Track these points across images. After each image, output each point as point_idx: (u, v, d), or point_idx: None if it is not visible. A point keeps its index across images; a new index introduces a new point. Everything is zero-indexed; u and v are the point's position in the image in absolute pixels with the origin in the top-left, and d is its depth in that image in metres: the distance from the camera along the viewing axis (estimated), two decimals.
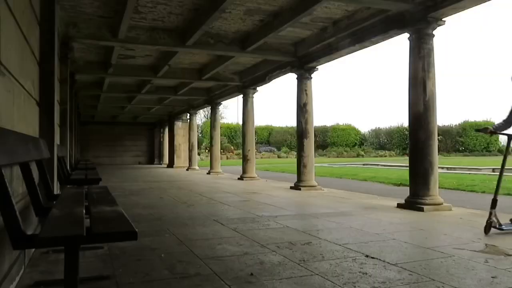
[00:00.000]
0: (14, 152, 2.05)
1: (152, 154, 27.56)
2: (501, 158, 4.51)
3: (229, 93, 14.43)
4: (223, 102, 16.60)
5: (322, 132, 46.57)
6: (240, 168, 13.37)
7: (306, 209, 6.67)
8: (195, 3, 6.56)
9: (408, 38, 6.33)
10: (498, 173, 4.43)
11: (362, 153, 43.94)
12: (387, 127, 47.44)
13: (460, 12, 5.89)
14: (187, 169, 19.08)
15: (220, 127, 18.50)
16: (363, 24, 6.90)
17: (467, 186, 10.63)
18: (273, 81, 11.44)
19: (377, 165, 25.06)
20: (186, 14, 7.07)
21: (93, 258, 3.28)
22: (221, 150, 24.16)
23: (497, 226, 4.18)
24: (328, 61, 8.94)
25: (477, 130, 4.89)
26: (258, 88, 12.69)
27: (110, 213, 2.23)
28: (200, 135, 42.66)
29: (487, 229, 4.24)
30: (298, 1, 6.42)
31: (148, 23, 7.58)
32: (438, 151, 6.63)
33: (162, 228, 4.64)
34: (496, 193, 4.35)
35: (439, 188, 6.32)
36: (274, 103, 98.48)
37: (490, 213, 4.22)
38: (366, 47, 7.76)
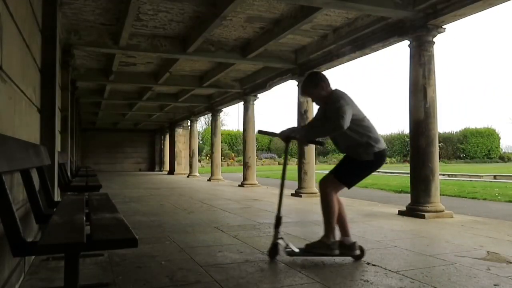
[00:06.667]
0: (15, 159, 2.05)
1: (153, 161, 27.53)
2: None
3: (230, 100, 14.45)
4: (224, 109, 16.64)
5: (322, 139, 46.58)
6: (241, 175, 13.35)
7: (307, 216, 6.64)
8: (196, 11, 6.60)
9: (409, 45, 6.34)
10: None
11: None
12: (387, 134, 47.41)
13: (460, 20, 5.92)
14: (187, 176, 19.06)
15: (221, 134, 18.53)
16: (363, 31, 6.93)
17: (468, 193, 10.61)
18: (274, 88, 11.48)
19: (378, 172, 25.02)
20: (187, 21, 7.10)
21: (93, 265, 3.26)
22: (222, 157, 24.17)
23: (289, 249, 3.43)
24: (329, 68, 8.95)
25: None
26: (259, 95, 12.71)
27: (111, 220, 2.22)
28: (200, 142, 42.69)
29: (272, 253, 3.44)
30: (298, 9, 6.45)
31: (149, 30, 7.61)
32: (439, 158, 6.62)
33: (163, 235, 4.62)
34: (279, 209, 3.52)
35: (440, 195, 6.30)
36: (275, 110, 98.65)
37: (275, 234, 3.45)
38: (367, 54, 7.78)
